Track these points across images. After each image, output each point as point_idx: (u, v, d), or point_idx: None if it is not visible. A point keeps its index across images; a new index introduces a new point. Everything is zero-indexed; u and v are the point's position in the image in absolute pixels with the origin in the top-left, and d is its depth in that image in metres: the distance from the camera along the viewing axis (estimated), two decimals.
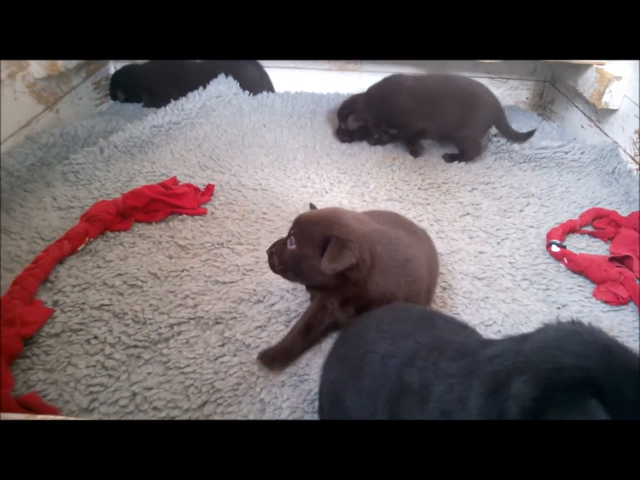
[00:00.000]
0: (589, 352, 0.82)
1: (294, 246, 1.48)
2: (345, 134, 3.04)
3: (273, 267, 1.57)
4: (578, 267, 2.07)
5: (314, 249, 1.45)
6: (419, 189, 2.60)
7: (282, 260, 1.53)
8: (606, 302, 1.95)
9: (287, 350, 1.62)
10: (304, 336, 1.64)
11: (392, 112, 2.85)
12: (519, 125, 3.34)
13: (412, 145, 3.00)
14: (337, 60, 3.59)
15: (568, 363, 0.81)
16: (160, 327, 1.68)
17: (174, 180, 2.39)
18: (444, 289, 1.95)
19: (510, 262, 2.12)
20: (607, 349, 0.83)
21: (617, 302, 1.94)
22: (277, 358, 1.60)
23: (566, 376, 0.80)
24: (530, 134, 2.95)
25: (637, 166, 2.68)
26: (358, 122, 2.94)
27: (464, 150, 2.92)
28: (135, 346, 1.61)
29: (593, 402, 0.77)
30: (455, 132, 2.87)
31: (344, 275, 1.45)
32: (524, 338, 0.93)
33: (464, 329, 1.28)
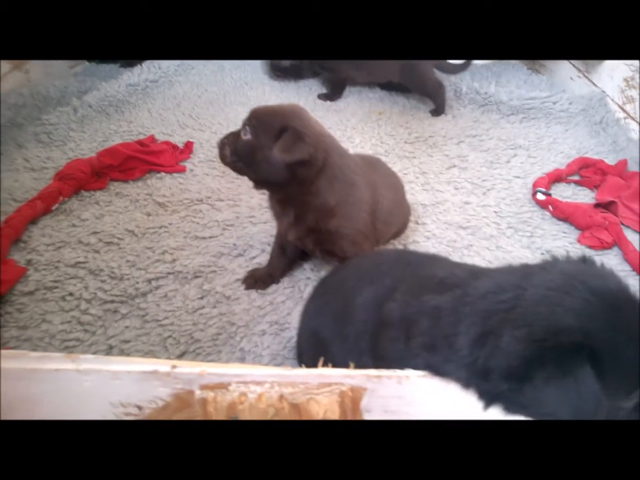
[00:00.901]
0: (593, 310, 0.75)
1: (248, 136, 1.44)
2: (278, 70, 3.10)
3: (224, 159, 1.53)
4: (563, 214, 2.05)
5: (269, 139, 1.41)
6: (405, 142, 2.55)
7: (234, 150, 1.48)
8: (590, 247, 1.93)
9: (268, 271, 1.67)
10: (280, 255, 1.67)
11: None
12: (507, 78, 3.29)
13: (334, 89, 3.03)
14: None
15: (568, 324, 0.74)
16: (137, 282, 1.64)
17: (152, 139, 2.33)
18: (428, 238, 1.92)
19: (495, 212, 2.09)
20: (615, 306, 0.76)
21: (601, 246, 1.92)
22: (259, 279, 1.66)
23: (563, 339, 0.73)
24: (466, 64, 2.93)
25: (625, 115, 2.63)
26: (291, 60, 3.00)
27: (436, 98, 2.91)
28: (112, 301, 1.58)
29: (587, 368, 0.71)
30: (404, 80, 2.87)
31: (293, 172, 1.42)
32: (524, 276, 0.85)
33: (439, 260, 1.25)
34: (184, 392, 0.91)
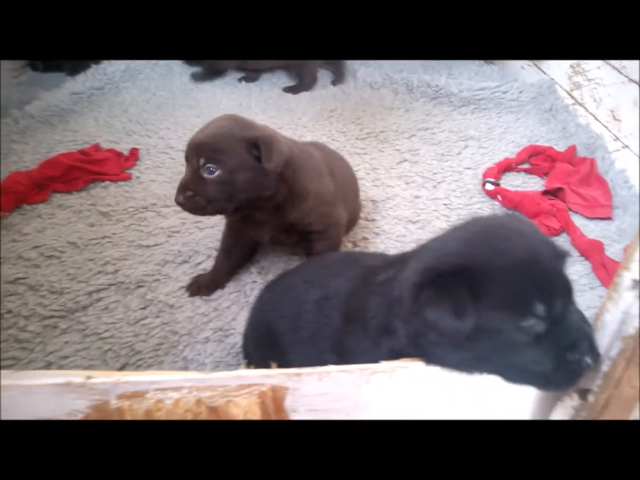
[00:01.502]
0: (476, 238, 0.86)
1: (217, 172, 1.35)
2: (195, 78, 3.13)
3: (201, 211, 1.41)
4: (511, 202, 2.06)
5: (243, 160, 1.35)
6: (357, 139, 2.54)
7: (207, 196, 1.37)
8: None
9: (213, 277, 1.65)
10: (225, 259, 1.65)
11: None
12: (459, 70, 3.30)
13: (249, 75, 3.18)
14: None
15: (450, 249, 0.86)
16: (78, 296, 1.61)
17: (96, 147, 2.28)
18: (377, 234, 1.91)
19: (445, 204, 2.09)
20: (501, 235, 0.85)
21: (550, 233, 1.93)
22: (203, 285, 1.63)
23: (445, 263, 0.83)
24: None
25: (573, 101, 2.66)
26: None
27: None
28: (52, 316, 1.55)
29: (462, 289, 0.79)
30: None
31: (280, 176, 1.41)
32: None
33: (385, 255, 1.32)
34: (101, 403, 0.88)
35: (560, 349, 0.82)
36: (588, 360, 0.81)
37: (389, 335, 0.93)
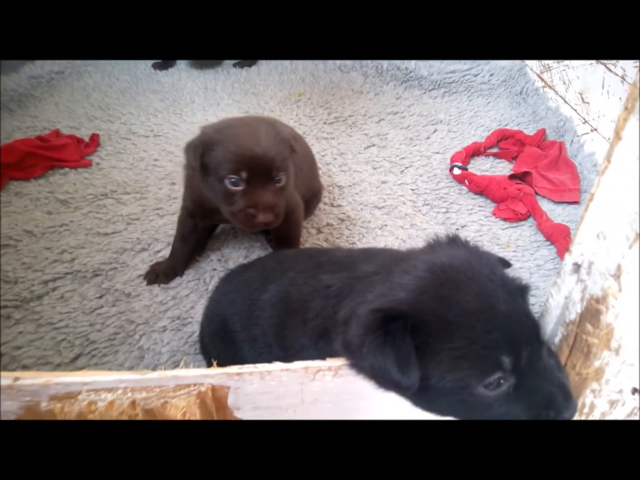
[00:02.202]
0: (424, 285, 0.77)
1: (283, 179, 1.39)
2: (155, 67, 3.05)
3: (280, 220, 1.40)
4: (478, 187, 2.04)
5: (288, 159, 1.43)
6: (325, 123, 2.50)
7: (283, 203, 1.39)
8: (505, 219, 1.93)
9: (171, 264, 1.62)
10: (182, 246, 1.62)
11: None
12: None
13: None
14: None
15: (397, 297, 0.78)
16: (33, 285, 1.56)
17: (56, 133, 2.21)
18: (342, 220, 1.89)
19: (412, 189, 2.08)
20: (450, 281, 0.77)
21: (516, 218, 1.92)
22: (161, 273, 1.60)
23: (392, 310, 0.75)
24: None
25: (543, 84, 2.65)
26: None
27: None
28: (5, 306, 1.50)
29: (406, 336, 0.73)
30: None
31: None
32: (397, 260, 0.88)
33: (339, 249, 1.32)
34: (33, 404, 0.85)
35: (534, 405, 0.75)
36: (566, 415, 0.75)
37: (327, 340, 0.89)
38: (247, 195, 1.34)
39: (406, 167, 2.20)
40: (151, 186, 2.00)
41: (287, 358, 0.86)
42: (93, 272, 1.61)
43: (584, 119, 2.30)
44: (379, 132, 2.44)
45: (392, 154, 2.28)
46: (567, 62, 2.45)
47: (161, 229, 1.78)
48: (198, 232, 1.63)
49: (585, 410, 0.84)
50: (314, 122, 2.50)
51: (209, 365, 0.89)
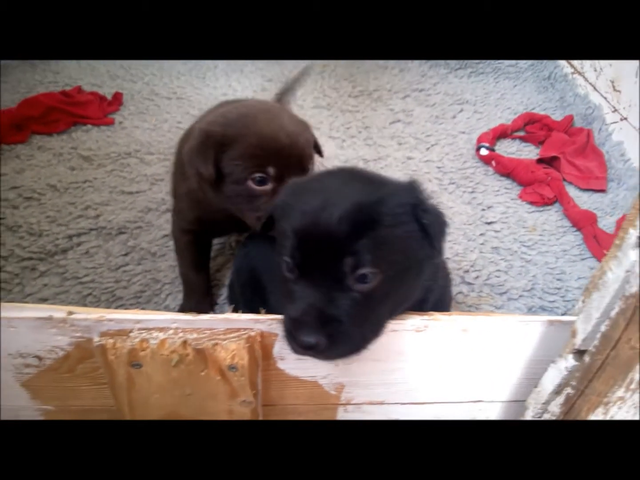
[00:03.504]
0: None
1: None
2: None
3: None
4: (505, 169, 2.02)
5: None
6: (349, 96, 2.47)
7: None
8: (532, 202, 1.91)
9: (193, 303, 1.38)
10: (197, 276, 1.39)
11: None
12: None
13: None
14: None
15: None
16: (57, 239, 1.55)
17: (78, 90, 2.18)
18: None
19: (438, 167, 2.05)
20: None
21: (543, 202, 1.90)
22: (194, 305, 1.37)
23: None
24: None
25: (573, 70, 2.61)
26: None
27: None
28: (30, 258, 1.49)
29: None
30: None
31: None
32: None
33: None
34: (84, 341, 0.85)
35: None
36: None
37: None
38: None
39: (432, 145, 2.18)
40: (174, 148, 1.96)
41: None
42: (118, 230, 1.59)
43: (614, 107, 2.27)
44: (404, 108, 2.41)
45: (418, 131, 2.25)
46: None
47: None
48: (206, 252, 1.45)
49: (632, 386, 0.83)
50: (339, 94, 2.47)
51: None
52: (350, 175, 0.88)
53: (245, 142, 1.11)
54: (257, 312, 0.87)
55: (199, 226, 1.35)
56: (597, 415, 0.79)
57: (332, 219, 0.74)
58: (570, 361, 0.85)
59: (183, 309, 1.37)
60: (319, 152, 1.26)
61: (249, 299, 1.21)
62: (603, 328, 0.79)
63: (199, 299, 1.38)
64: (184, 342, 0.82)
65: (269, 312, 0.87)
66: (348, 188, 0.80)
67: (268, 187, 1.12)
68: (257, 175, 1.11)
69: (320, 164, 1.47)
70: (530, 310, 1.46)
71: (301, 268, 0.77)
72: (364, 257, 0.74)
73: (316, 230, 0.74)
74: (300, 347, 0.75)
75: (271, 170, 1.11)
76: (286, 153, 1.11)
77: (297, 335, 0.74)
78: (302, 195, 0.80)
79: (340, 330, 0.74)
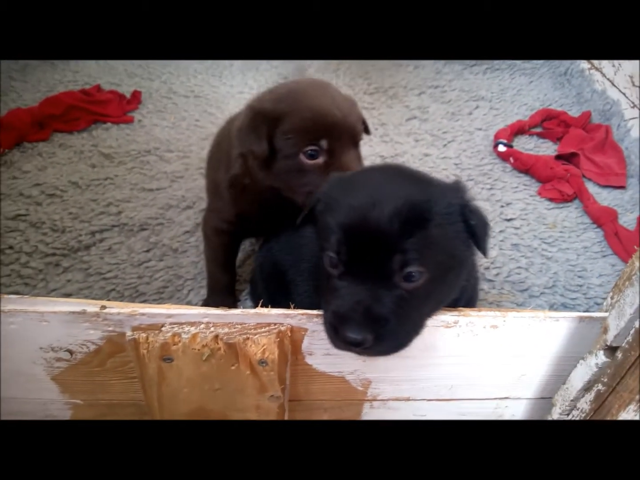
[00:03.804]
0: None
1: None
2: None
3: None
4: (524, 165, 2.01)
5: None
6: (364, 93, 2.47)
7: None
8: (551, 199, 1.90)
9: (223, 301, 1.36)
10: (224, 275, 1.39)
11: None
12: None
13: None
14: None
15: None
16: (80, 235, 1.57)
17: (98, 88, 2.20)
18: None
19: (455, 164, 2.05)
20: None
21: (562, 199, 1.89)
22: (219, 302, 1.34)
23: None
24: None
25: (590, 66, 2.59)
26: None
27: None
28: (54, 254, 1.51)
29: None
30: None
31: None
32: None
33: None
34: (115, 335, 0.87)
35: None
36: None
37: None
38: (332, 167, 1.09)
39: (449, 142, 2.17)
40: (193, 146, 1.98)
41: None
42: (140, 226, 1.61)
43: (633, 103, 2.25)
44: (419, 105, 2.40)
45: (434, 128, 2.25)
46: None
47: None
48: (236, 252, 1.43)
49: None
50: (354, 91, 2.47)
51: None
52: (397, 172, 0.88)
53: (298, 116, 1.09)
54: (280, 307, 0.88)
55: (236, 225, 1.33)
56: (629, 412, 0.79)
57: (383, 216, 0.74)
58: (600, 358, 0.85)
59: (207, 305, 1.37)
60: (366, 129, 1.25)
61: (273, 292, 1.22)
62: (637, 324, 0.79)
63: (223, 297, 1.38)
64: (216, 337, 0.83)
65: (295, 307, 0.88)
66: (397, 185, 0.80)
67: (320, 160, 1.11)
68: (310, 148, 1.09)
69: None
70: (552, 308, 1.46)
71: (346, 264, 0.77)
72: (413, 256, 0.74)
73: (365, 226, 0.74)
74: (345, 343, 0.75)
75: (324, 143, 1.09)
76: (339, 126, 1.10)
77: (342, 331, 0.74)
78: (349, 190, 0.80)
79: (386, 327, 0.74)
